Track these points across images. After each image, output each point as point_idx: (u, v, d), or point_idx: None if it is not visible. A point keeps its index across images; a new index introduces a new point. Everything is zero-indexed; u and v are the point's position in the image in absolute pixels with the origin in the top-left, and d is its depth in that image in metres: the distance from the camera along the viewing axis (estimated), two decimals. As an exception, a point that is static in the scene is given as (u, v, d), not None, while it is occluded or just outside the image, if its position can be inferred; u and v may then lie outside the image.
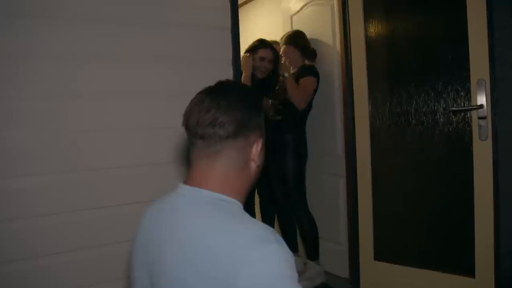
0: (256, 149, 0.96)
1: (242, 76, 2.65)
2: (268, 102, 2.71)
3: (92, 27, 1.68)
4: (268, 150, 2.91)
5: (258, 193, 3.00)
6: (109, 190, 1.70)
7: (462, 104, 2.03)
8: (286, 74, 2.63)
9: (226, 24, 2.01)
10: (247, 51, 2.76)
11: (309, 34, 2.79)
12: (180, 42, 1.88)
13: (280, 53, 2.76)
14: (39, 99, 1.58)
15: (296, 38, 2.74)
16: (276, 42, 2.88)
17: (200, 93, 0.95)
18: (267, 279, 0.78)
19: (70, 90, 1.63)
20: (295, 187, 2.67)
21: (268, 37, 2.93)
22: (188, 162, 1.00)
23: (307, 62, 2.76)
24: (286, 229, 2.83)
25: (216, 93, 0.93)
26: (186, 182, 0.96)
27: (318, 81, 2.67)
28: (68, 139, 1.63)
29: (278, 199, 2.84)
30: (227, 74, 1.98)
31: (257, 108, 0.97)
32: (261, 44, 2.78)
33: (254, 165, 0.97)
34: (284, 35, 2.79)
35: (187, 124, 0.93)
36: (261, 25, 3.40)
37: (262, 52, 2.75)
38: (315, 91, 2.67)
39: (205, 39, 1.94)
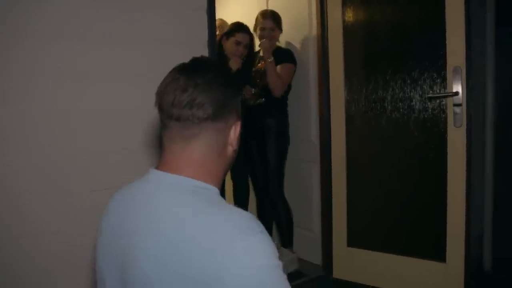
0: (235, 132, 0.90)
1: (230, 62, 2.55)
2: (251, 91, 2.62)
3: (61, 6, 1.55)
4: (251, 135, 2.82)
5: (231, 178, 2.93)
6: (77, 175, 1.60)
7: (438, 91, 2.04)
8: (270, 59, 2.52)
9: (201, 3, 1.91)
10: (223, 34, 2.64)
11: (284, 16, 2.72)
12: (153, 22, 1.77)
13: (262, 32, 2.62)
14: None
15: (279, 20, 2.66)
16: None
17: (174, 70, 0.86)
18: (255, 271, 0.73)
19: (35, 70, 1.50)
20: (275, 173, 2.62)
21: (242, 19, 2.84)
22: (160, 147, 0.92)
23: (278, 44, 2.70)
24: (267, 215, 2.79)
25: (191, 71, 0.85)
26: (158, 167, 0.88)
27: (295, 66, 2.63)
28: (34, 121, 1.52)
29: (261, 185, 2.79)
30: (203, 55, 1.89)
31: (236, 88, 0.91)
32: (238, 27, 2.63)
33: (231, 149, 0.91)
34: (266, 12, 2.69)
35: (160, 104, 0.85)
36: (235, 7, 3.29)
37: (239, 36, 2.58)
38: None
39: (179, 19, 1.85)
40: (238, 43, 2.58)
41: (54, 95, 1.56)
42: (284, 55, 2.61)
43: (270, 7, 2.90)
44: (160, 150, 1.69)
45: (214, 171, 0.88)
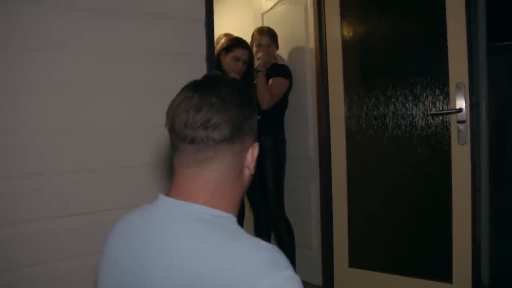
0: (252, 155, 0.83)
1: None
2: None
3: (57, 15, 1.49)
4: None
5: None
6: (78, 195, 1.50)
7: (441, 108, 2.01)
8: (260, 72, 2.50)
9: (200, 16, 1.86)
10: (222, 49, 2.58)
11: (280, 33, 2.70)
12: (149, 35, 1.71)
13: (259, 48, 2.59)
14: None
15: (276, 36, 2.64)
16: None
17: (186, 88, 0.80)
18: None
19: (26, 83, 1.42)
20: (274, 192, 2.55)
21: (238, 35, 2.80)
22: (167, 167, 0.85)
23: (274, 61, 2.68)
24: (265, 234, 2.71)
25: (205, 89, 0.78)
26: (169, 193, 0.80)
27: (291, 82, 2.59)
28: (27, 139, 1.43)
29: (258, 204, 2.71)
30: (201, 69, 1.83)
31: (252, 107, 0.84)
32: (237, 43, 2.55)
33: (248, 173, 0.84)
34: (263, 29, 2.66)
35: (172, 125, 0.78)
36: (230, 22, 3.26)
37: (238, 52, 2.50)
38: (288, 91, 2.59)
39: (177, 32, 1.79)
40: (237, 59, 2.51)
41: (51, 110, 1.48)
42: (278, 70, 2.59)
43: (266, 23, 2.88)
44: (166, 171, 1.63)
45: (231, 197, 0.81)
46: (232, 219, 0.79)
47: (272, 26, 2.73)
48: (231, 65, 2.51)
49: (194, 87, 0.80)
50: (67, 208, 1.47)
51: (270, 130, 2.57)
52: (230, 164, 0.80)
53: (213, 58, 1.90)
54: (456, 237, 1.96)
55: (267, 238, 2.72)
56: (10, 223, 1.37)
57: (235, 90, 0.81)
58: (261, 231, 2.72)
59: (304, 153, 2.69)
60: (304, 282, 2.59)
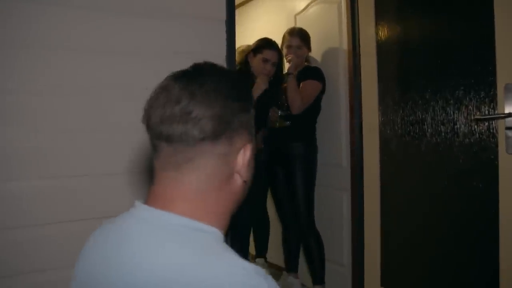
0: (243, 157, 0.71)
1: (257, 80, 2.37)
2: (277, 113, 2.46)
3: (67, 13, 1.45)
4: (275, 160, 2.66)
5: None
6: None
7: (487, 112, 1.79)
8: (291, 74, 2.38)
9: (221, 15, 1.78)
10: (250, 50, 2.50)
11: (313, 34, 2.57)
12: (167, 35, 1.65)
13: (289, 49, 2.48)
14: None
15: (308, 38, 2.53)
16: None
17: (167, 78, 0.70)
18: None
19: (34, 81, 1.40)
20: (304, 202, 2.41)
21: (270, 37, 2.71)
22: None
23: (306, 63, 2.55)
24: (294, 249, 2.57)
25: (188, 79, 0.68)
26: (147, 201, 0.70)
27: (324, 85, 2.46)
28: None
29: (288, 215, 2.57)
30: (220, 71, 1.75)
31: (245, 100, 0.72)
32: (266, 44, 2.45)
33: (240, 180, 0.72)
34: (294, 30, 2.55)
35: (148, 120, 0.68)
36: (263, 24, 3.17)
37: (266, 54, 2.41)
38: (320, 95, 2.46)
39: (197, 32, 1.71)
40: (265, 60, 2.41)
41: (54, 107, 1.44)
42: (310, 72, 2.47)
43: (299, 24, 2.76)
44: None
45: (216, 208, 0.69)
46: (214, 233, 0.68)
47: (305, 28, 2.62)
48: (260, 67, 2.42)
49: (176, 77, 0.70)
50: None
51: (301, 136, 2.45)
52: (214, 168, 0.69)
53: (234, 59, 1.81)
54: (504, 262, 1.71)
55: (296, 252, 2.59)
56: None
57: (223, 81, 0.70)
58: (291, 245, 2.59)
59: (337, 161, 2.53)
60: (333, 299, 2.45)
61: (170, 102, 0.66)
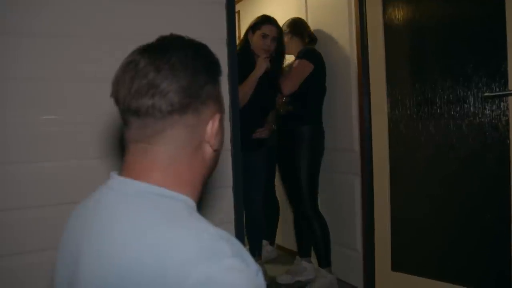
0: (212, 127, 0.71)
1: (258, 62, 2.32)
2: (281, 98, 2.46)
3: (69, 4, 1.48)
4: (282, 145, 2.63)
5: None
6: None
7: (497, 90, 1.71)
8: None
9: (220, -2, 1.78)
10: (249, 28, 2.43)
11: (324, 19, 2.55)
12: (166, 18, 1.65)
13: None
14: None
15: (294, 26, 2.52)
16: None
17: (134, 52, 0.70)
18: None
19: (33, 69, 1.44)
20: (306, 184, 2.41)
21: (281, 21, 2.69)
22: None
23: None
24: (306, 232, 2.57)
25: (154, 52, 0.68)
26: (121, 171, 0.72)
27: (319, 66, 2.43)
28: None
29: (293, 198, 2.58)
30: (221, 55, 1.73)
31: (213, 71, 0.72)
32: (264, 19, 2.39)
33: (210, 149, 0.73)
34: (284, 24, 2.56)
35: (116, 95, 0.69)
36: (273, 12, 3.13)
37: (265, 29, 2.34)
38: (317, 76, 2.43)
39: (195, 15, 1.71)
40: (265, 35, 2.34)
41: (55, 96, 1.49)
42: (303, 53, 2.45)
43: (309, 11, 2.74)
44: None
45: (187, 177, 0.71)
46: (184, 201, 0.69)
47: (315, 13, 2.62)
48: (259, 43, 2.35)
49: (143, 51, 0.70)
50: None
51: (306, 119, 2.43)
52: (183, 139, 0.69)
53: (235, 42, 1.80)
54: (515, 242, 1.66)
55: (308, 237, 2.57)
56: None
57: (190, 53, 0.70)
58: (301, 226, 2.58)
59: (348, 146, 2.49)
60: (344, 283, 2.43)
61: (137, 77, 0.66)
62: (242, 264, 0.58)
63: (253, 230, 2.37)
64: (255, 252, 2.34)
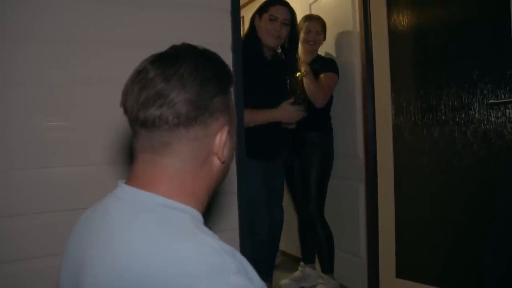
0: (220, 139, 0.71)
1: (272, 116, 2.02)
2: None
3: (71, 5, 1.49)
4: (293, 151, 2.55)
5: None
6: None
7: (502, 96, 1.71)
8: (306, 70, 2.34)
9: (225, 5, 1.78)
10: (255, 13, 2.10)
11: (328, 23, 2.54)
12: (171, 24, 1.67)
13: (307, 35, 2.40)
14: None
15: (325, 26, 2.49)
16: None
17: (144, 61, 0.71)
18: None
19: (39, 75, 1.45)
20: (316, 190, 2.41)
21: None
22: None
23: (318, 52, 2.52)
24: (310, 238, 2.56)
25: (164, 62, 0.69)
26: (128, 180, 0.73)
27: (338, 77, 2.45)
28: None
29: (301, 204, 2.57)
30: (226, 60, 1.73)
31: (222, 83, 0.72)
32: (273, 0, 2.01)
33: (218, 161, 0.73)
34: (313, 16, 2.52)
35: (124, 104, 0.70)
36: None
37: (273, 10, 1.96)
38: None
39: (201, 22, 1.72)
40: (273, 18, 1.96)
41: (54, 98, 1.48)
42: (328, 64, 2.43)
43: (313, 12, 2.73)
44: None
45: (193, 189, 0.71)
46: (190, 213, 0.69)
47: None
48: (267, 27, 1.98)
49: (153, 60, 0.70)
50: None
51: (318, 125, 2.44)
52: (191, 152, 0.69)
53: (240, 48, 1.80)
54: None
55: (312, 244, 2.56)
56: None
57: (200, 64, 0.69)
58: (306, 233, 2.58)
59: (353, 152, 2.49)
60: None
61: (145, 86, 0.67)
62: (246, 281, 0.58)
63: (269, 250, 2.17)
64: (268, 272, 2.17)
